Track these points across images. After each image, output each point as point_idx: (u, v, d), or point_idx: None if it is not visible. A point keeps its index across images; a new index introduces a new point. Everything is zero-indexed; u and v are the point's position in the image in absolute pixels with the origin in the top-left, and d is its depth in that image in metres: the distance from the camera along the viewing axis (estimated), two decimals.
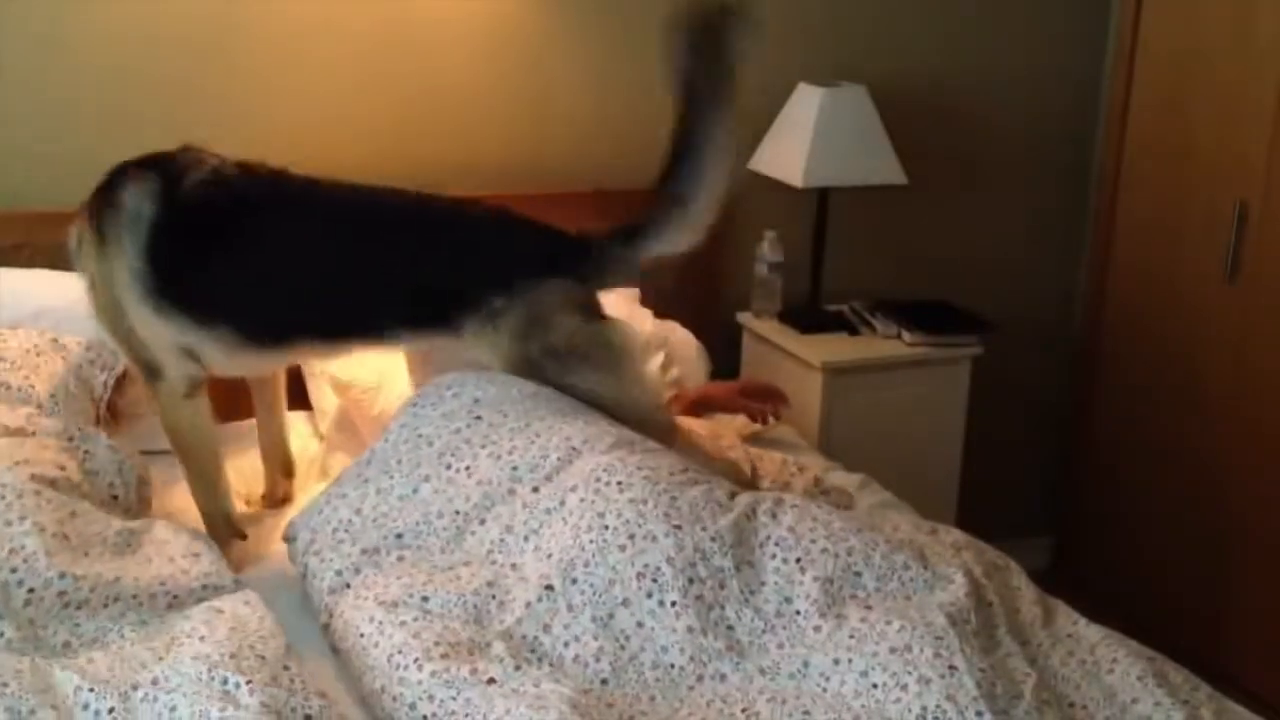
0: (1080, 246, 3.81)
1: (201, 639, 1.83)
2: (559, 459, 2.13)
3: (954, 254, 3.66)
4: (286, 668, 1.79)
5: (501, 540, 2.06)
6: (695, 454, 2.39)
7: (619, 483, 2.04)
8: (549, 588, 1.93)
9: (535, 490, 2.10)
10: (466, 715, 1.74)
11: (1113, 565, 3.72)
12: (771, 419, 2.91)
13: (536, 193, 3.15)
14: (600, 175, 3.23)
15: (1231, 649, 3.31)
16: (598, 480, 2.06)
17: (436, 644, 1.85)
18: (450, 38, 3.08)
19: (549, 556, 1.99)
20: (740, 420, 2.88)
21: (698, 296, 3.35)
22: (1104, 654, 1.92)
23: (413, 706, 1.78)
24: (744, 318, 3.41)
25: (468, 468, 2.16)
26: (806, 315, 3.33)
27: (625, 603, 1.91)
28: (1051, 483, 3.93)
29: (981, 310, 3.42)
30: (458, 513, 2.11)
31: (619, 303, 3.10)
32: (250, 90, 2.94)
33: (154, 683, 1.71)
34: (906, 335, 3.27)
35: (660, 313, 3.16)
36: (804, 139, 3.11)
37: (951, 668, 1.77)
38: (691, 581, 1.93)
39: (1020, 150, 3.69)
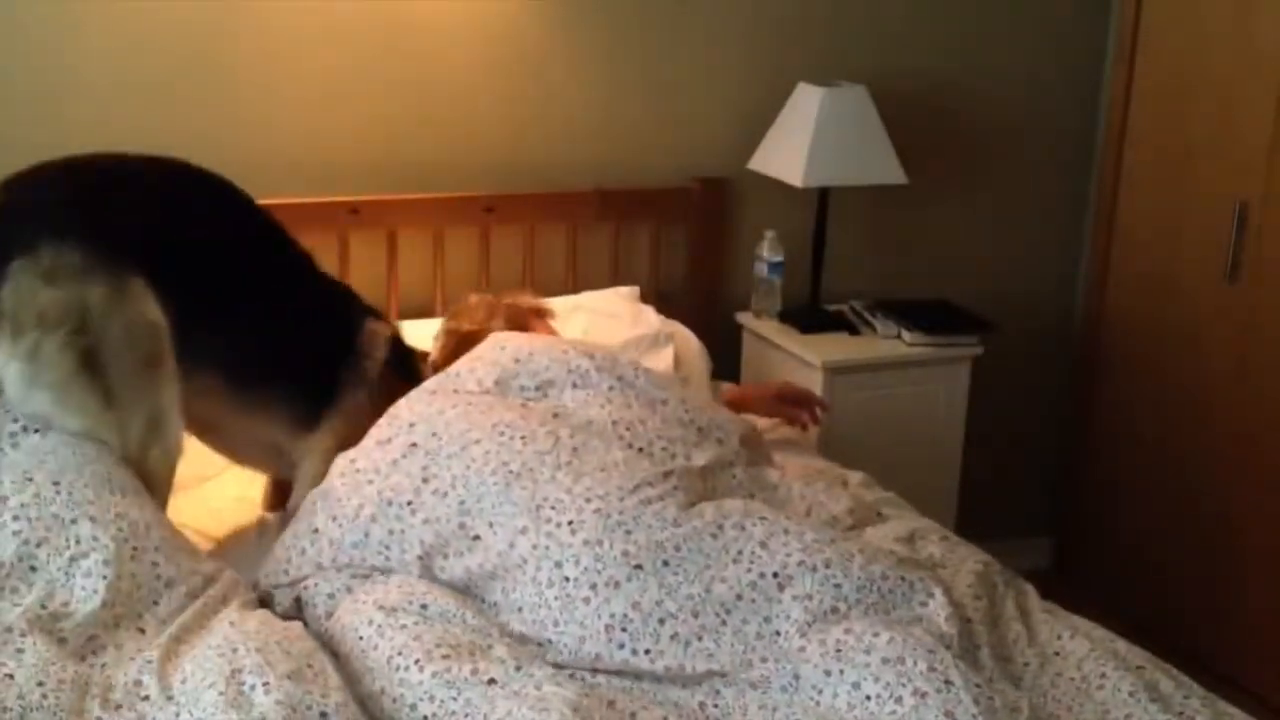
0: (1080, 246, 3.81)
1: (232, 624, 1.86)
2: (499, 486, 2.08)
3: (954, 254, 3.66)
4: (310, 665, 1.80)
5: (469, 576, 2.04)
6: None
7: (569, 522, 2.01)
8: (539, 646, 1.93)
9: (491, 525, 2.06)
10: (467, 715, 1.74)
11: (1113, 565, 3.72)
12: (810, 424, 2.91)
13: (536, 192, 3.15)
14: (600, 175, 3.23)
15: (1231, 649, 3.30)
16: (547, 521, 2.02)
17: (438, 645, 1.85)
18: (450, 38, 3.07)
19: (519, 610, 1.97)
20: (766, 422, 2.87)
21: (698, 296, 3.35)
22: (1092, 669, 1.91)
23: (413, 707, 1.78)
24: (744, 318, 3.40)
25: (409, 503, 2.11)
26: (806, 315, 3.32)
27: (597, 658, 1.90)
28: (1051, 483, 3.93)
29: (981, 310, 3.42)
30: (420, 557, 2.07)
31: (621, 300, 3.11)
32: (249, 93, 2.93)
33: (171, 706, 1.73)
34: (906, 335, 3.27)
35: (660, 313, 3.16)
36: (804, 139, 3.11)
37: (947, 682, 1.75)
38: (663, 621, 1.91)
39: (1020, 150, 3.69)
